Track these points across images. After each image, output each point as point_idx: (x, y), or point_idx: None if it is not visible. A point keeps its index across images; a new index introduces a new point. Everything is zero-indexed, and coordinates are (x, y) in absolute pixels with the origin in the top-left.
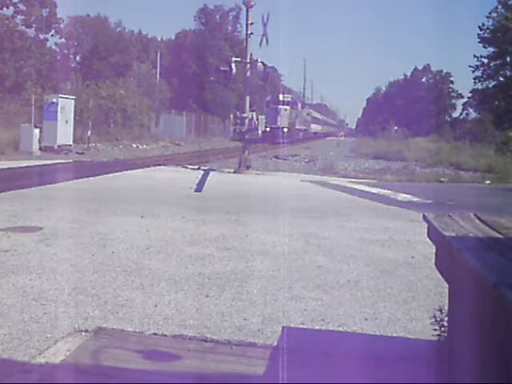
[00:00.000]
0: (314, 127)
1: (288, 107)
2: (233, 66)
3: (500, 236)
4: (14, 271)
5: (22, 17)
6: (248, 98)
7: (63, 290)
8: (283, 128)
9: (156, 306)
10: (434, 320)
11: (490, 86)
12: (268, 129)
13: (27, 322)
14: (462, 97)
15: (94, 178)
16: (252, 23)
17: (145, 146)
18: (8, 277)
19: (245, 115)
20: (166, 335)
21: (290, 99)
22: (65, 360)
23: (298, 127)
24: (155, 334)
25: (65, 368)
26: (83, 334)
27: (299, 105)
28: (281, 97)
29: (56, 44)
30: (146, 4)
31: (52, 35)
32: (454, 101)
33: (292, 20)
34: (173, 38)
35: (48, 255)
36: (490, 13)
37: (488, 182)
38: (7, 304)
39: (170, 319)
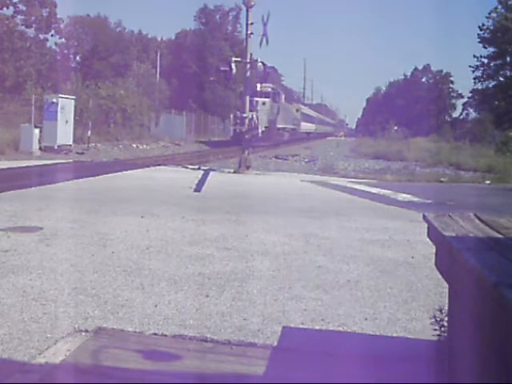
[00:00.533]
0: (307, 126)
1: (268, 100)
2: (233, 65)
3: (500, 236)
4: (14, 271)
5: (22, 17)
6: (248, 97)
7: (63, 290)
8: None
9: (156, 305)
10: (434, 320)
11: (490, 86)
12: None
13: (27, 322)
14: (462, 97)
15: (93, 178)
16: (252, 23)
17: (145, 146)
18: (8, 277)
19: (245, 115)
20: (166, 335)
21: (270, 89)
22: (65, 360)
23: (281, 126)
24: (155, 334)
25: (65, 368)
26: (83, 333)
27: (283, 97)
28: (258, 87)
29: (56, 44)
30: (145, 4)
31: (52, 35)
32: (453, 101)
33: (292, 20)
34: (173, 37)
35: (48, 255)
36: (489, 13)
37: (488, 181)
38: (7, 304)
39: (170, 319)
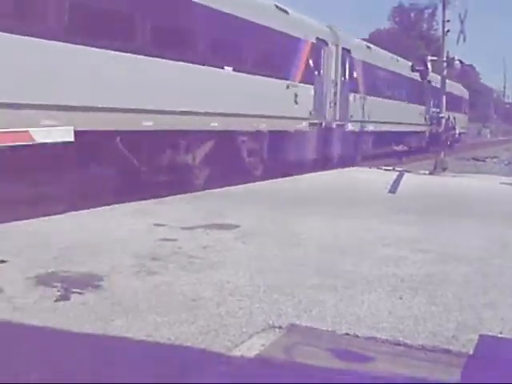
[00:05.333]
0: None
1: None
2: (428, 64)
3: None
4: (212, 266)
5: None
6: (444, 97)
7: (258, 287)
8: None
9: (348, 307)
10: None
11: None
12: None
13: (223, 316)
14: None
15: (282, 179)
16: (448, 20)
17: None
18: (206, 271)
19: (441, 115)
20: (357, 336)
21: None
22: (259, 354)
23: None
24: (347, 334)
25: (259, 362)
26: (277, 330)
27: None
28: None
29: None
30: None
31: None
32: None
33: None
34: (367, 37)
35: (243, 252)
36: None
37: None
38: (205, 297)
39: (362, 321)
